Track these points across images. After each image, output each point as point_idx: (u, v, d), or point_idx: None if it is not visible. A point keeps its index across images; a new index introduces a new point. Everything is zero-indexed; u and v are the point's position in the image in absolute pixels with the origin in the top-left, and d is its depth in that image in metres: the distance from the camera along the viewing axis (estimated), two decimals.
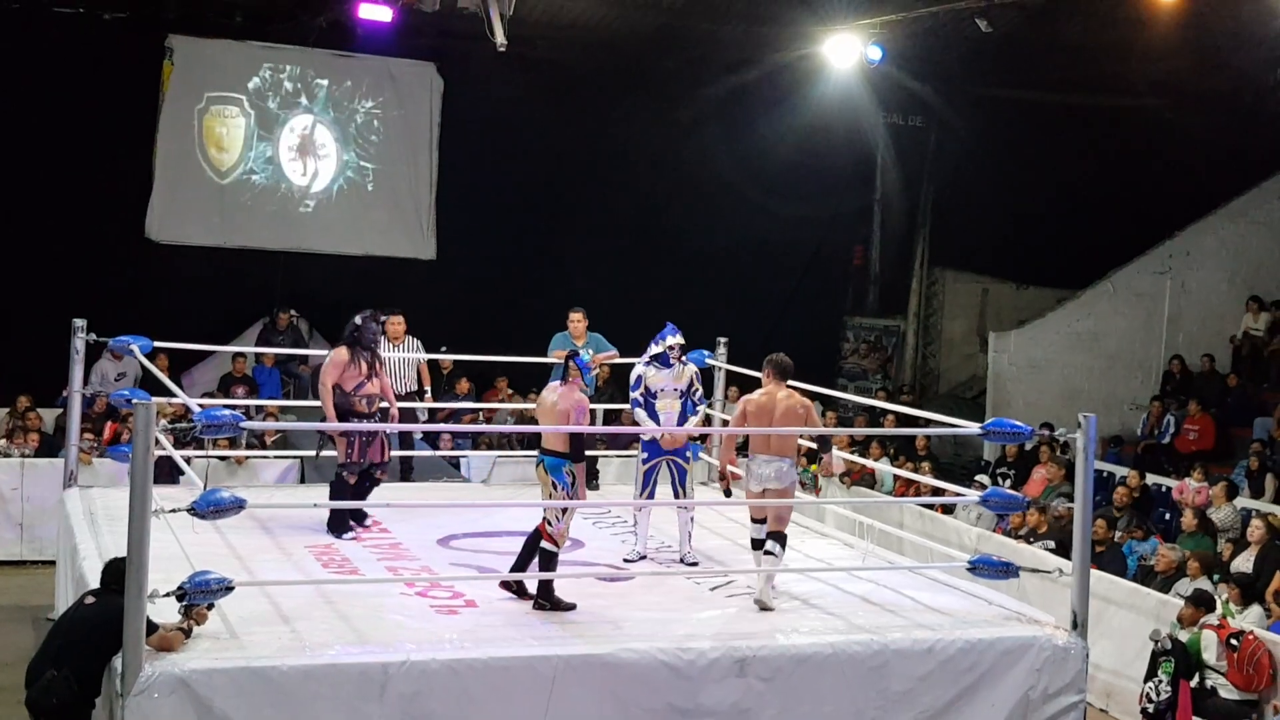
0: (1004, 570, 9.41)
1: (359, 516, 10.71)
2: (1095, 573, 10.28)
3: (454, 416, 16.14)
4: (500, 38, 14.91)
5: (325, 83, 18.72)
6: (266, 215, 18.59)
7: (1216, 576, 11.83)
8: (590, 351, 12.37)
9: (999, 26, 17.18)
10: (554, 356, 12.65)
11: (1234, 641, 10.21)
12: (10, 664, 8.87)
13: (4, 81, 16.93)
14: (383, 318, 11.09)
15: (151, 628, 7.38)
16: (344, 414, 10.59)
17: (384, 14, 16.42)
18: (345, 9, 17.09)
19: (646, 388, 10.59)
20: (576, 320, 12.56)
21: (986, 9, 16.52)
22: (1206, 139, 19.85)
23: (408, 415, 12.98)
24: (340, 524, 10.49)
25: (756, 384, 17.31)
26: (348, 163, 18.92)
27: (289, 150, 18.70)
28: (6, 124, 16.96)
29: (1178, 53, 18.48)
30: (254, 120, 18.51)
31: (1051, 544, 12.91)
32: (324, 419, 10.67)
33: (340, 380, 10.58)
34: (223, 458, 13.91)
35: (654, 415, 10.57)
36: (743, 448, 10.29)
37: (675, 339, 10.70)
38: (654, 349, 10.72)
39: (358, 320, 10.74)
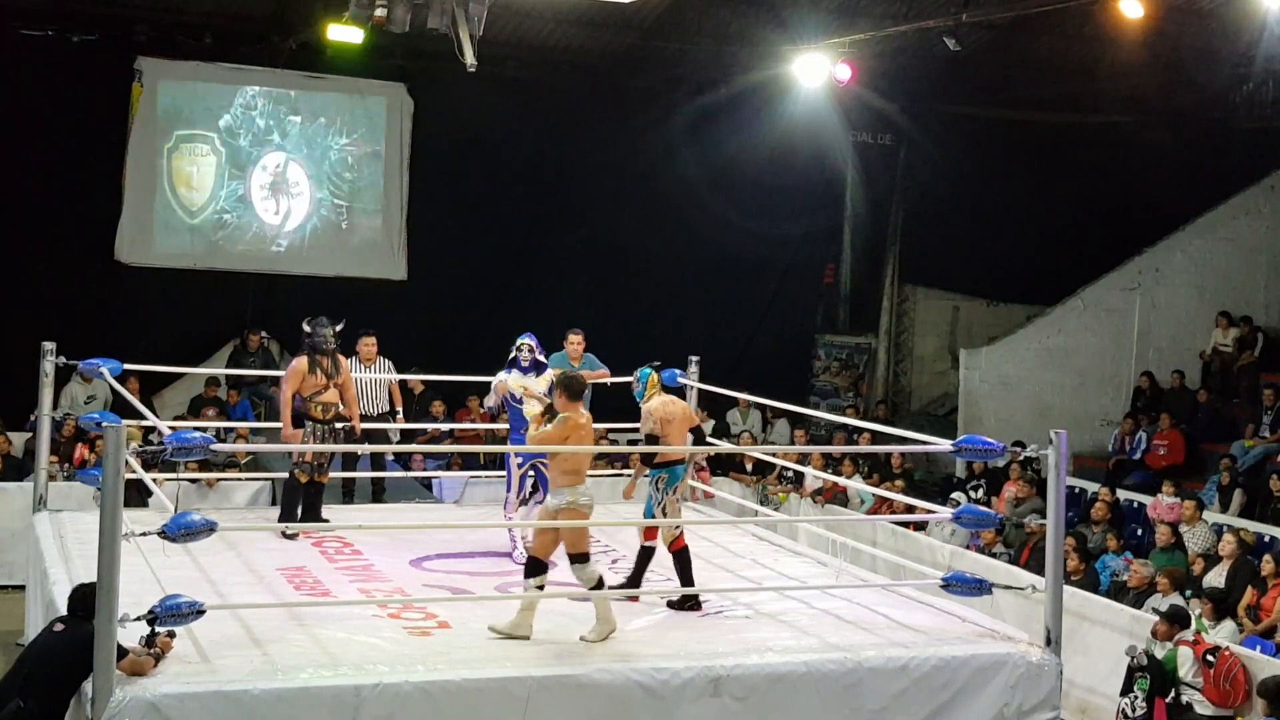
0: (977, 587, 9.42)
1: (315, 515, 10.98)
2: (1068, 589, 10.31)
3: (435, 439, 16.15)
4: (470, 58, 14.89)
5: (298, 119, 18.67)
6: (237, 243, 18.52)
7: (1189, 592, 11.86)
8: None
9: (967, 45, 17.27)
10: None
11: (1210, 657, 10.22)
12: None
13: None
14: (338, 327, 11.18)
15: (122, 652, 7.33)
16: (300, 419, 11.00)
17: (354, 35, 16.39)
18: (315, 31, 17.07)
19: (510, 393, 10.80)
20: (575, 342, 12.62)
21: (955, 28, 16.61)
22: (1174, 156, 19.99)
23: (379, 436, 12.96)
24: (289, 514, 10.88)
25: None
26: (321, 201, 18.85)
27: (261, 189, 18.63)
28: None
29: (1145, 70, 18.63)
30: (225, 159, 18.43)
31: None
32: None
33: (300, 388, 10.95)
34: (193, 480, 13.84)
35: (519, 419, 10.70)
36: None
37: (525, 340, 10.98)
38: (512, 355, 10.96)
39: (306, 328, 11.09)
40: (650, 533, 9.70)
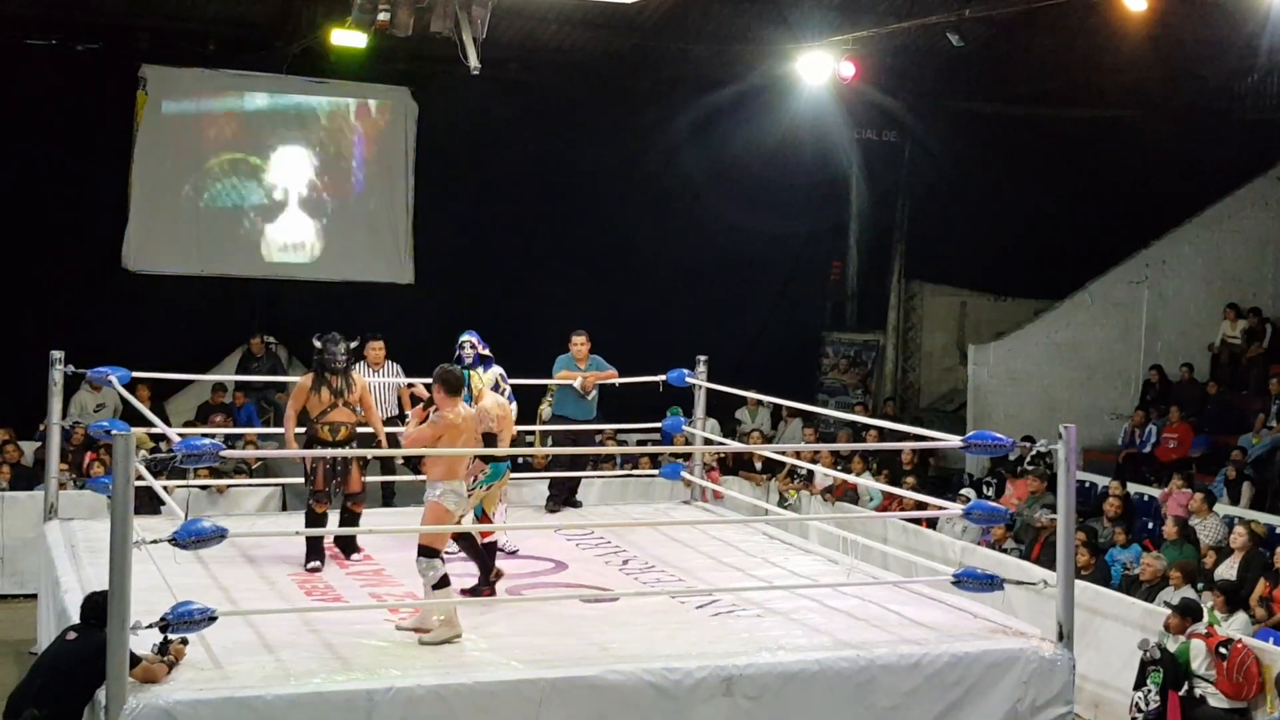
0: (989, 583, 9.41)
1: (348, 549, 10.59)
2: (1080, 583, 10.30)
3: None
4: (474, 61, 14.90)
5: (303, 124, 18.67)
6: (243, 248, 18.54)
7: (1200, 585, 11.85)
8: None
9: (970, 41, 17.26)
10: (559, 379, 12.69)
11: (1223, 650, 10.22)
12: None
13: None
14: (353, 344, 10.94)
15: (135, 660, 7.34)
16: (309, 442, 10.50)
17: (358, 40, 16.40)
18: (318, 36, 17.09)
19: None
20: (580, 343, 12.63)
21: (958, 23, 16.59)
22: (1180, 148, 19.95)
23: (388, 440, 12.91)
24: (310, 553, 10.39)
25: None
26: (327, 205, 18.86)
27: (267, 195, 18.63)
28: None
29: (1149, 63, 18.60)
30: (230, 165, 18.45)
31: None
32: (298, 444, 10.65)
33: (306, 406, 10.50)
34: (203, 487, 13.84)
35: None
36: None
37: (466, 337, 10.95)
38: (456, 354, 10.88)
39: (317, 344, 10.63)
40: (485, 533, 9.67)
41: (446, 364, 9.21)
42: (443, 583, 8.67)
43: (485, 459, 9.69)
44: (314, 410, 10.49)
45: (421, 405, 9.44)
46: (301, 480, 10.82)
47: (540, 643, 8.51)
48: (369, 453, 11.15)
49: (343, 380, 10.54)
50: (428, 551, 8.72)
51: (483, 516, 9.86)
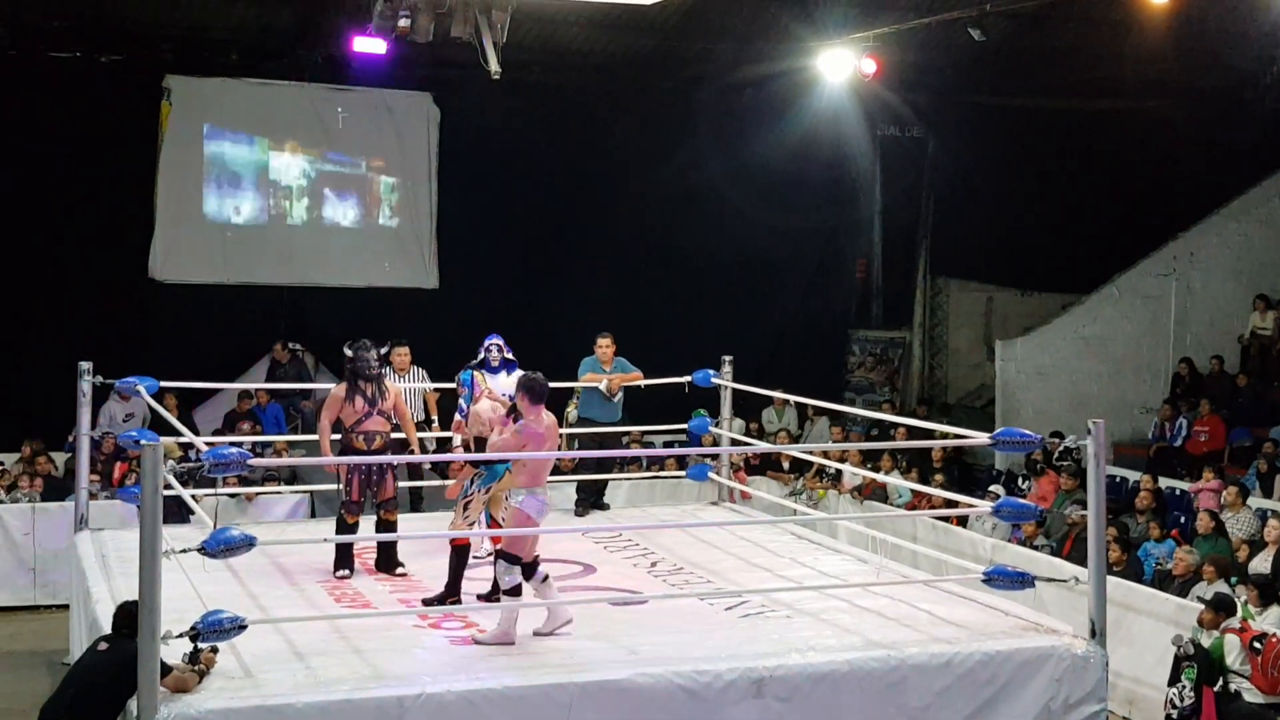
0: (1019, 580, 9.35)
1: (390, 566, 10.52)
2: (1112, 579, 10.23)
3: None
4: (494, 65, 14.93)
5: (325, 132, 18.75)
6: (269, 256, 18.62)
7: (1234, 579, 11.76)
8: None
9: (992, 35, 17.18)
10: (584, 381, 12.69)
11: (1257, 645, 10.14)
12: (25, 710, 8.87)
13: (3, 127, 17.00)
14: (383, 349, 10.87)
15: (166, 669, 7.36)
16: (344, 452, 10.37)
17: (379, 46, 16.45)
18: (340, 43, 17.14)
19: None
20: (604, 346, 12.62)
21: (979, 18, 16.53)
22: (1206, 138, 19.84)
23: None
24: (340, 561, 10.33)
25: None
26: (350, 212, 18.94)
27: (290, 202, 18.71)
28: (7, 169, 17.04)
29: (1172, 53, 18.49)
30: (254, 173, 18.54)
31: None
32: (334, 454, 10.59)
33: (341, 416, 10.34)
34: (232, 495, 13.87)
35: None
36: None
37: (492, 340, 10.90)
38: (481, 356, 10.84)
39: (348, 352, 10.46)
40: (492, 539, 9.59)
41: (532, 372, 9.18)
42: (515, 591, 8.69)
43: (478, 462, 9.60)
44: (348, 420, 10.32)
45: (506, 412, 9.39)
46: (332, 487, 10.72)
47: (569, 646, 8.51)
48: (396, 459, 11.11)
49: (375, 388, 10.39)
50: (510, 558, 8.72)
51: (491, 522, 9.77)
